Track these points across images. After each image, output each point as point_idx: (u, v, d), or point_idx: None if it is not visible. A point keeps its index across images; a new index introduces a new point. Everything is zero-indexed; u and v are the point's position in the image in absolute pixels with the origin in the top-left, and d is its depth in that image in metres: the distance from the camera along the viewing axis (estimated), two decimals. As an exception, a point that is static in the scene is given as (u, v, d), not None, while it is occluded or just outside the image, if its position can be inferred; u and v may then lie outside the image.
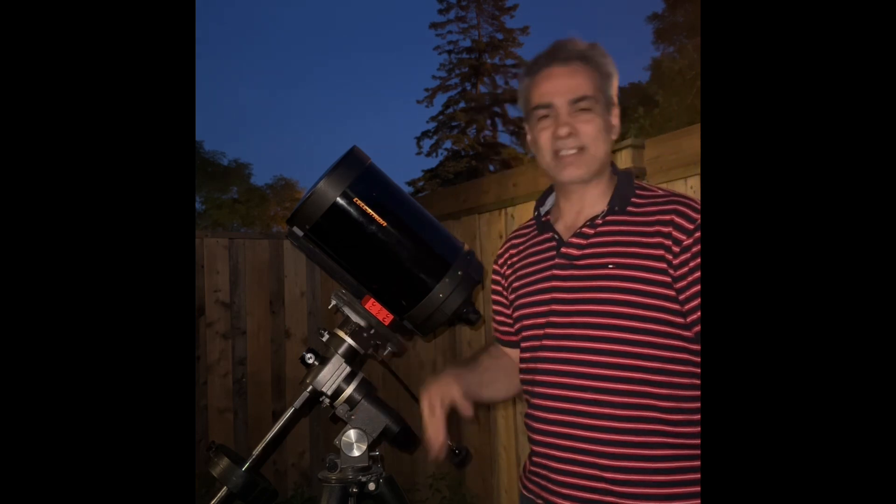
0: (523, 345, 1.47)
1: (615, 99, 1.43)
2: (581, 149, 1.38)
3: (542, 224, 1.49)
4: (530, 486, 1.45)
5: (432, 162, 26.86)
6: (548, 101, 1.39)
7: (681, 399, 1.28)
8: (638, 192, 1.40)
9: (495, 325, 1.64)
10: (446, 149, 26.79)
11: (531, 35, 27.53)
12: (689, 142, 2.11)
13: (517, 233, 1.59)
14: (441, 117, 27.05)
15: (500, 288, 1.60)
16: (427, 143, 27.05)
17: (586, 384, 1.32)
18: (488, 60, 27.18)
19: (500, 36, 27.32)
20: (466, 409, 1.43)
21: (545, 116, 1.40)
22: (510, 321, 1.55)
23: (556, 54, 1.41)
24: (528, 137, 1.49)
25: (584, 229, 1.39)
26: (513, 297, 1.52)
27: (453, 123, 26.93)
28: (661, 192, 1.39)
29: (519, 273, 1.50)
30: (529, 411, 1.44)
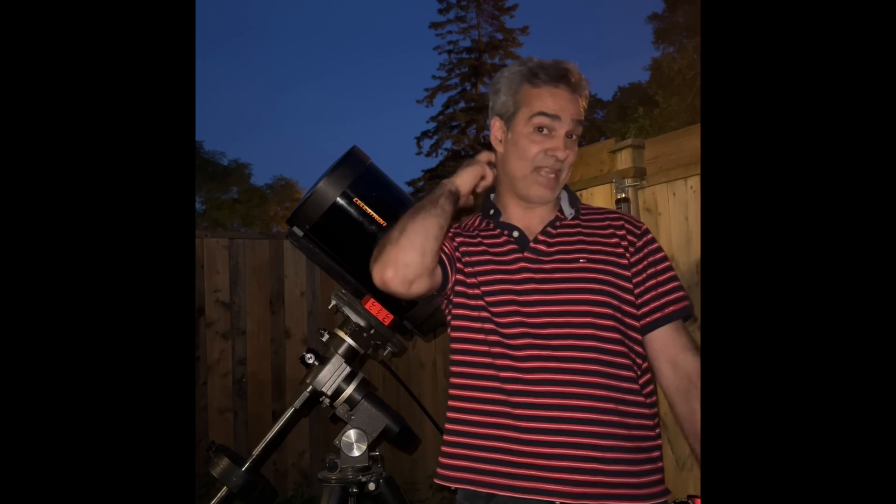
0: (501, 331, 1.41)
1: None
2: (558, 172, 1.44)
3: (503, 224, 1.49)
4: (485, 478, 1.37)
5: (432, 162, 26.85)
6: (556, 114, 1.41)
7: (632, 380, 1.37)
8: (579, 203, 1.53)
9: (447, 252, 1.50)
10: (446, 149, 26.78)
11: (531, 35, 27.52)
12: (689, 142, 2.11)
13: (475, 217, 1.59)
14: (441, 117, 27.04)
15: (464, 261, 1.49)
16: (427, 143, 27.04)
17: (570, 367, 1.34)
18: (488, 60, 27.16)
19: (500, 36, 27.31)
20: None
21: (542, 129, 1.41)
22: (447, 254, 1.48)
23: (568, 77, 1.44)
24: (499, 135, 1.48)
25: (548, 228, 1.46)
26: (475, 276, 1.46)
27: (453, 123, 26.91)
28: (596, 207, 1.56)
29: (479, 259, 1.47)
30: (509, 398, 1.37)
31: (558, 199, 1.51)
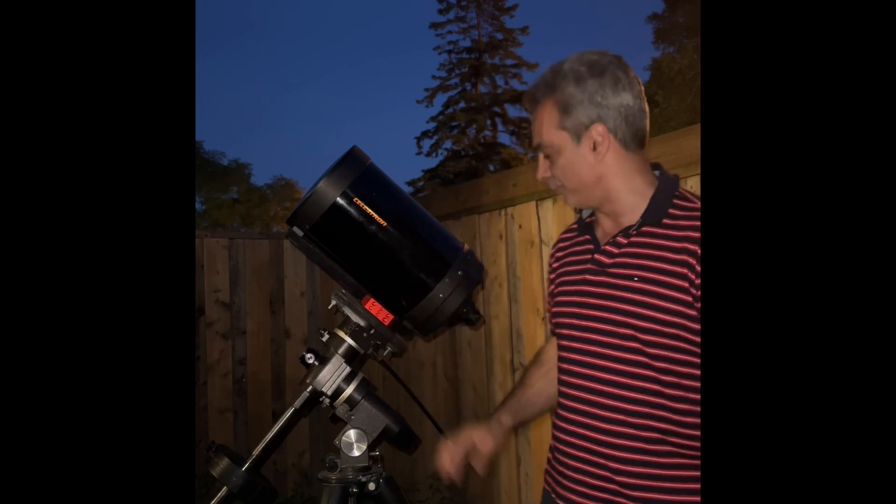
0: (559, 342, 1.50)
1: (584, 121, 1.36)
2: (561, 185, 1.42)
3: (584, 226, 1.49)
4: (548, 478, 1.50)
5: (432, 162, 26.86)
6: (533, 141, 1.44)
7: (696, 414, 1.29)
8: (677, 201, 1.37)
9: (551, 327, 1.59)
10: (446, 149, 26.79)
11: (531, 35, 27.56)
12: (689, 142, 2.11)
13: (568, 228, 1.60)
14: (441, 117, 27.04)
15: (550, 280, 1.59)
16: (427, 143, 27.05)
17: (605, 390, 1.34)
18: (488, 60, 27.17)
19: (500, 36, 27.32)
20: (481, 465, 1.58)
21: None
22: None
23: (528, 98, 1.43)
24: None
25: (617, 238, 1.37)
26: (555, 292, 1.54)
27: (453, 123, 26.91)
28: (697, 206, 1.36)
29: (560, 271, 1.52)
30: (557, 409, 1.47)
31: (654, 195, 1.38)
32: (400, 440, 1.73)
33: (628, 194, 1.38)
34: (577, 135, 1.36)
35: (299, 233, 1.65)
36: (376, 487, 1.69)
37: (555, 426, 1.47)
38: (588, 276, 1.41)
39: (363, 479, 1.67)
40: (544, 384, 1.60)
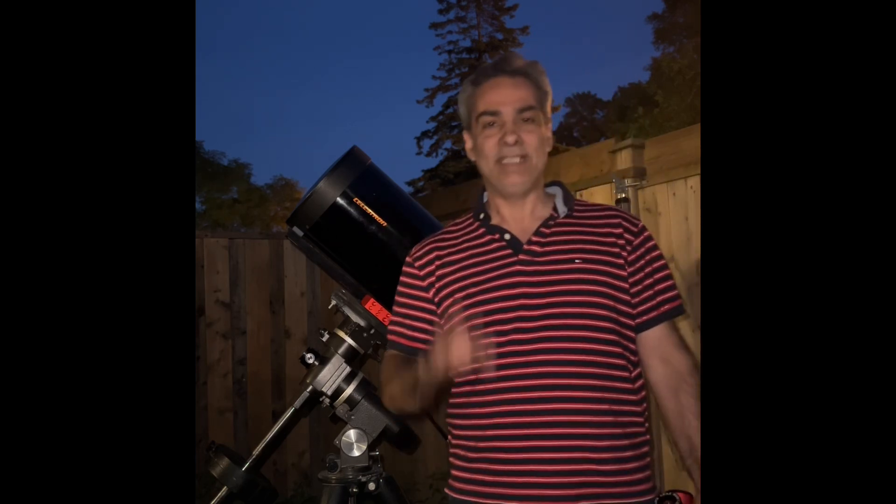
0: (496, 339, 1.36)
1: (549, 116, 1.50)
2: (524, 157, 1.43)
3: (492, 226, 1.47)
4: (486, 489, 1.38)
5: (432, 162, 26.83)
6: (495, 109, 1.44)
7: (627, 380, 1.38)
8: (574, 201, 1.51)
9: (405, 331, 1.50)
10: (446, 149, 26.76)
11: (531, 35, 27.51)
12: (689, 142, 2.11)
13: (439, 237, 1.54)
14: (441, 117, 27.02)
15: (418, 291, 1.49)
16: (427, 143, 27.02)
17: (566, 370, 1.33)
18: (488, 60, 27.09)
19: (500, 36, 27.30)
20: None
21: (490, 124, 1.44)
22: (429, 327, 1.48)
23: (503, 66, 1.48)
24: (469, 145, 1.53)
25: (541, 229, 1.44)
26: (454, 296, 1.44)
27: (453, 123, 26.88)
28: (593, 203, 1.51)
29: (464, 273, 1.44)
30: (494, 409, 1.37)
31: (553, 197, 1.50)
32: (400, 440, 1.73)
33: (539, 190, 1.49)
34: (546, 121, 1.48)
35: (299, 233, 1.65)
36: (376, 487, 1.69)
37: (508, 425, 1.36)
38: (521, 268, 1.40)
39: (363, 479, 1.67)
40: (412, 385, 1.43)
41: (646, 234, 1.46)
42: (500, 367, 1.35)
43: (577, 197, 1.56)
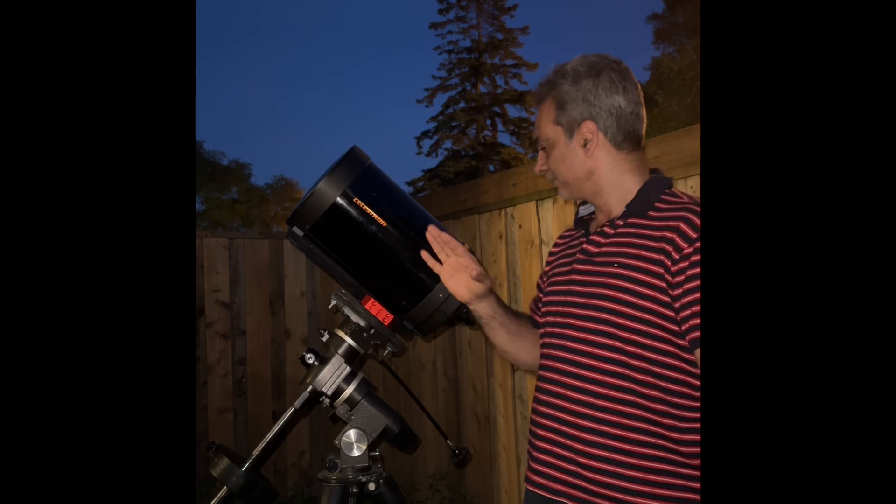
0: (543, 329, 1.56)
1: (579, 116, 1.44)
2: (554, 179, 1.53)
3: (577, 220, 1.58)
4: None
5: (432, 162, 26.84)
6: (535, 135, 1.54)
7: (671, 404, 1.31)
8: (664, 197, 1.40)
9: (531, 305, 1.73)
10: (446, 149, 26.77)
11: (531, 35, 27.55)
12: (689, 142, 2.11)
13: (567, 229, 1.68)
14: (441, 117, 27.03)
15: (542, 274, 1.69)
16: (427, 143, 27.03)
17: (577, 372, 1.40)
18: (488, 60, 27.16)
19: (500, 36, 27.30)
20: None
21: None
22: (540, 305, 1.64)
23: (535, 92, 1.54)
24: None
25: (605, 228, 1.44)
26: (543, 279, 1.65)
27: (453, 123, 26.90)
28: (683, 200, 1.37)
29: (554, 264, 1.60)
30: (535, 393, 1.52)
31: (640, 188, 1.42)
32: (400, 440, 1.73)
33: (618, 190, 1.45)
34: (570, 130, 1.45)
35: (299, 233, 1.65)
36: (376, 487, 1.69)
37: (532, 410, 1.52)
38: (576, 266, 1.47)
39: (363, 479, 1.67)
40: (528, 331, 1.66)
41: (694, 258, 1.27)
42: (544, 356, 1.51)
43: (677, 190, 1.43)
